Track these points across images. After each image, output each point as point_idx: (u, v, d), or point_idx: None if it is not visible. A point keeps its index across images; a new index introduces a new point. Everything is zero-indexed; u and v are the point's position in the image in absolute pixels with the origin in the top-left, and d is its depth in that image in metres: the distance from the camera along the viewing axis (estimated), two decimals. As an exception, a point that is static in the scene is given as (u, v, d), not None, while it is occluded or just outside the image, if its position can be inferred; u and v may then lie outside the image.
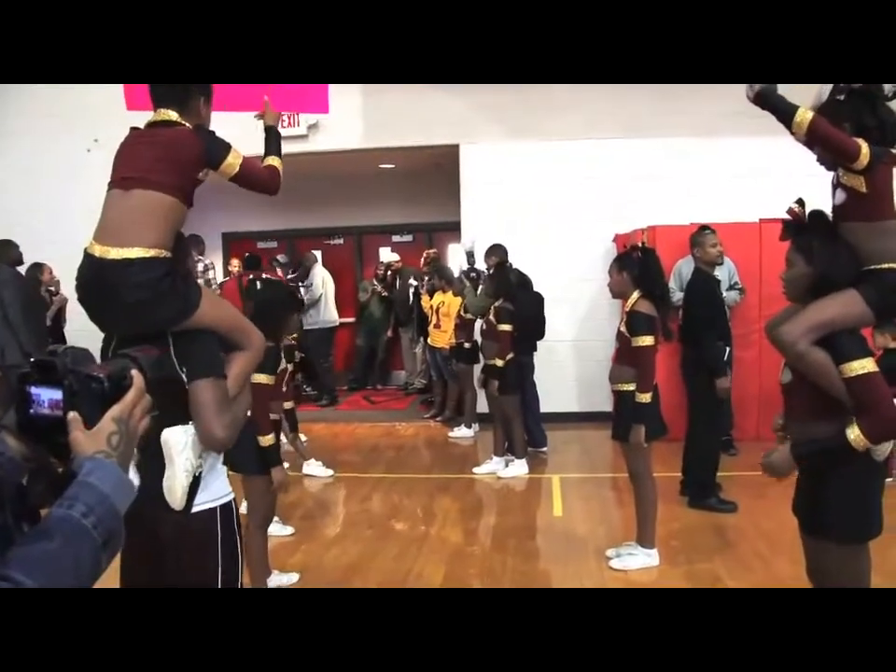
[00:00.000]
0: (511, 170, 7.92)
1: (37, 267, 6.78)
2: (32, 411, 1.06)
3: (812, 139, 2.36)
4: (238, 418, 2.20)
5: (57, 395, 1.05)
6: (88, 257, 2.14)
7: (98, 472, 1.01)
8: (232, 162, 2.24)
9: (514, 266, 6.35)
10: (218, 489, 2.20)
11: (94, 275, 2.12)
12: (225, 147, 2.25)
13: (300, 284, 8.96)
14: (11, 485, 1.04)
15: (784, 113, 2.33)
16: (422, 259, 9.06)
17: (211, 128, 2.31)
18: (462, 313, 7.07)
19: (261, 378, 3.47)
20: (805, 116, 2.29)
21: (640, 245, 4.37)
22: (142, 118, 2.32)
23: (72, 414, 1.04)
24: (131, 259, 2.06)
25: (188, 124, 2.22)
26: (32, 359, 1.08)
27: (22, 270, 6.39)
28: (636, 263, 3.98)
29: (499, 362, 5.87)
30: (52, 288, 6.86)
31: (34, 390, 1.06)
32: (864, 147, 2.29)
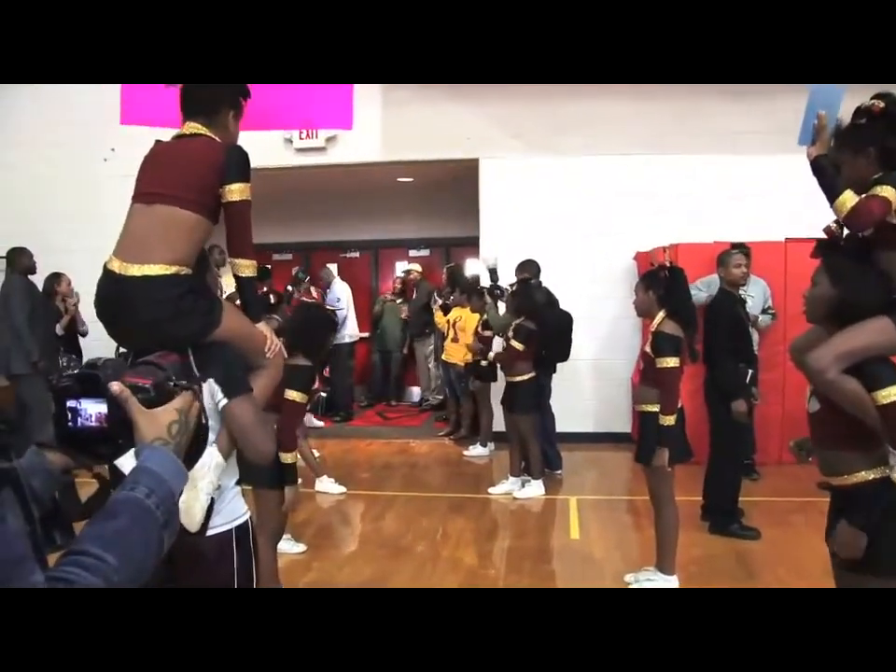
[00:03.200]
0: (530, 185, 7.84)
1: (55, 277, 6.78)
2: (78, 423, 1.08)
3: (848, 224, 2.28)
4: (271, 430, 2.21)
5: (103, 407, 1.08)
6: (107, 272, 2.10)
7: (155, 458, 1.06)
8: (237, 192, 2.11)
9: (543, 285, 6.22)
10: (234, 509, 2.17)
11: (113, 291, 2.09)
12: (243, 175, 2.13)
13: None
14: (46, 498, 1.08)
15: (830, 189, 2.26)
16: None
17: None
18: (480, 329, 6.98)
19: (295, 396, 3.40)
20: (846, 198, 2.21)
21: (668, 264, 4.27)
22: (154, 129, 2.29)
23: (126, 394, 1.08)
24: (150, 276, 2.02)
25: (216, 138, 2.16)
26: (72, 373, 1.11)
27: (36, 279, 6.43)
28: (662, 282, 3.88)
29: (516, 377, 5.84)
30: (68, 298, 6.85)
31: (75, 403, 1.08)
32: (891, 195, 2.19)
